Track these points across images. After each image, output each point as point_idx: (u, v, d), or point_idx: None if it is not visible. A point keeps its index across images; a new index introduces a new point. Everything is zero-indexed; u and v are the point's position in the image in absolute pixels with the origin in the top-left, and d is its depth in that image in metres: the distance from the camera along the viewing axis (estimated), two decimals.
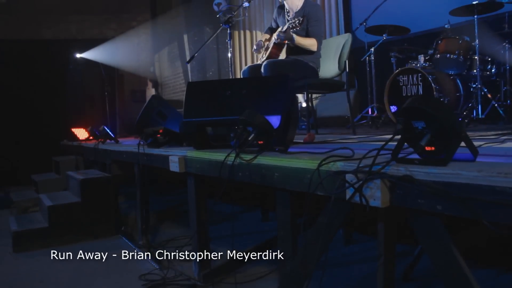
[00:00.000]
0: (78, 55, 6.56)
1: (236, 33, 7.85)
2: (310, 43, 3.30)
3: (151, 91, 8.17)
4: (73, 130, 5.47)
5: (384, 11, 4.83)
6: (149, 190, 3.62)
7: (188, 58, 8.23)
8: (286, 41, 3.33)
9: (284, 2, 3.53)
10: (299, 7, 3.47)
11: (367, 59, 4.77)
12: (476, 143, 2.04)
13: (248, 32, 7.56)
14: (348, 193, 1.39)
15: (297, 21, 3.17)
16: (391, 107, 4.24)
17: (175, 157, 2.56)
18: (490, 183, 1.08)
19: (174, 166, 2.58)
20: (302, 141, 2.62)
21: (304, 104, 4.95)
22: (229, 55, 3.33)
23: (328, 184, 1.50)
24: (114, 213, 3.89)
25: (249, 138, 2.01)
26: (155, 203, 4.48)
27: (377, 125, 4.17)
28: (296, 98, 2.52)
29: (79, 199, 3.78)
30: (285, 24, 3.59)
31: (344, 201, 1.40)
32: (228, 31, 3.27)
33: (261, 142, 2.04)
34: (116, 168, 4.03)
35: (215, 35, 3.35)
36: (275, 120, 2.29)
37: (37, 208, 4.69)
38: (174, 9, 8.61)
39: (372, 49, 4.65)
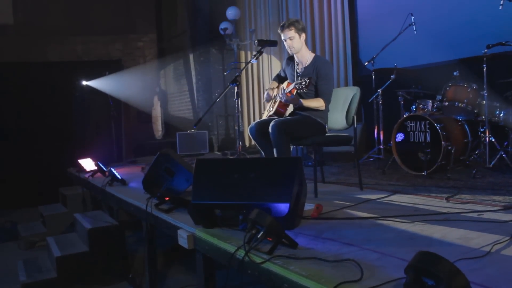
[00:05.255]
0: (84, 83, 6.57)
1: (243, 53, 7.84)
2: (318, 105, 3.27)
3: (157, 111, 8.20)
4: (80, 161, 5.48)
5: (392, 47, 4.82)
6: (156, 244, 3.63)
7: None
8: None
9: (294, 55, 3.51)
10: (308, 62, 3.43)
11: (374, 101, 4.75)
12: (485, 236, 2.06)
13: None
14: None
15: (303, 83, 3.12)
16: (397, 135, 4.23)
17: (184, 232, 2.58)
18: None
19: (183, 241, 2.59)
20: (310, 216, 2.62)
21: None
22: (237, 114, 3.32)
23: None
24: (122, 260, 3.91)
25: (258, 236, 2.02)
26: (161, 236, 4.47)
27: (384, 170, 4.17)
28: (304, 179, 2.51)
29: (87, 248, 3.81)
30: (293, 76, 3.57)
31: None
32: (236, 90, 3.25)
33: (270, 239, 2.05)
34: (124, 214, 4.04)
35: (223, 94, 3.32)
36: (283, 208, 2.30)
37: (44, 242, 4.74)
38: (180, 29, 8.60)
39: (380, 91, 4.62)
